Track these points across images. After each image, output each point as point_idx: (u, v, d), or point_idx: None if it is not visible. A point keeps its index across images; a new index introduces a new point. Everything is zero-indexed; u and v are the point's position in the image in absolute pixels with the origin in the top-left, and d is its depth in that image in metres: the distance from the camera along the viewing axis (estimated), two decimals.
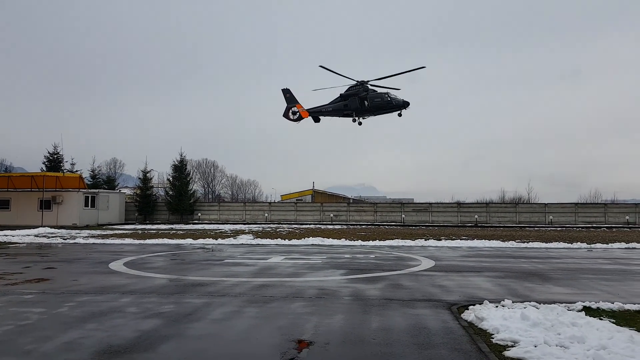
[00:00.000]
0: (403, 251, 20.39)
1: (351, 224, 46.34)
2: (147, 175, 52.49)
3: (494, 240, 25.15)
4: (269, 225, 43.18)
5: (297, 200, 63.18)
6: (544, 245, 23.21)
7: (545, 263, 16.36)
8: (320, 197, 72.31)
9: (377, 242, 24.29)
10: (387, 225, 45.63)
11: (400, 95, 32.21)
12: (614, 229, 39.28)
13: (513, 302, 9.21)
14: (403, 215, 49.00)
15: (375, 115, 32.82)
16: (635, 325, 7.64)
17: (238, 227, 40.71)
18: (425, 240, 25.42)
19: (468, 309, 8.82)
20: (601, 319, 7.96)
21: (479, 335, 7.21)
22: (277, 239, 26.14)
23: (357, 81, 32.33)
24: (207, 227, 40.74)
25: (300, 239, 25.97)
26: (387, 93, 32.03)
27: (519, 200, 65.56)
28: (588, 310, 8.61)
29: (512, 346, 6.63)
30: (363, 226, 43.43)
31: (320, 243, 24.14)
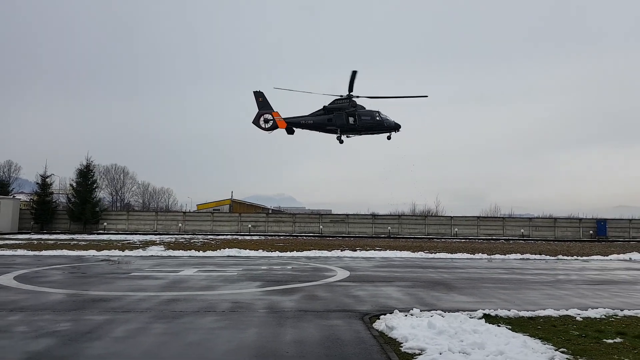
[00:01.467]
0: (320, 262, 20.56)
1: (270, 235, 46.04)
2: (47, 180, 48.65)
3: (405, 251, 26.21)
4: (182, 236, 41.61)
5: (214, 210, 61.59)
6: (449, 255, 24.58)
7: (450, 273, 17.31)
8: (239, 207, 71.13)
9: (294, 253, 24.29)
10: (306, 236, 45.90)
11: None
12: (511, 241, 42.67)
13: (421, 310, 9.60)
14: (321, 226, 49.61)
15: (361, 134, 30.07)
16: (529, 330, 8.26)
17: (148, 237, 38.75)
18: (342, 251, 25.89)
19: (379, 319, 9.05)
20: (499, 326, 8.52)
21: (388, 344, 7.40)
22: (190, 250, 25.23)
23: (345, 95, 29.10)
24: (113, 237, 38.32)
25: (216, 250, 25.28)
26: (378, 112, 29.50)
27: (428, 213, 69.19)
28: (488, 318, 9.19)
29: (419, 354, 6.88)
30: (282, 237, 43.32)
31: (237, 254, 23.66)
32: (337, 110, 29.37)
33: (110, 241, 32.64)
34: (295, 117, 30.27)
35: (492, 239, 45.18)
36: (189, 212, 59.86)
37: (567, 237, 48.43)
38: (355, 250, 26.57)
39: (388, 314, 9.26)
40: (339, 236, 46.35)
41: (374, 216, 52.84)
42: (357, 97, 29.30)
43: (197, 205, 77.20)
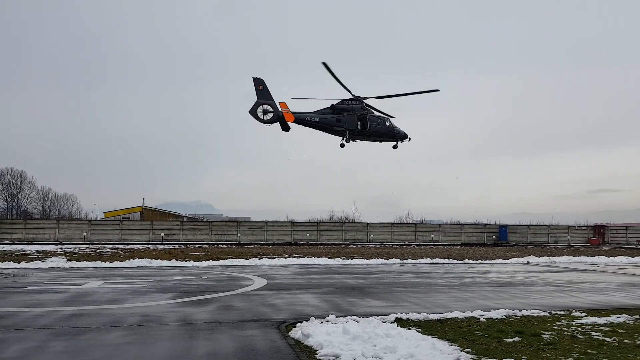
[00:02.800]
0: (237, 271, 20.15)
1: (184, 244, 44.41)
2: None
3: (323, 258, 26.50)
4: (87, 246, 38.84)
5: (123, 218, 58.21)
6: (365, 261, 25.24)
7: (365, 278, 17.75)
8: (151, 215, 67.85)
9: (210, 262, 23.60)
10: (223, 244, 44.86)
11: None
12: (422, 246, 44.79)
13: (337, 317, 9.71)
14: (239, 234, 48.78)
15: (368, 140, 27.50)
16: (437, 333, 8.65)
17: (49, 247, 35.73)
18: (260, 259, 25.59)
19: (295, 327, 9.01)
20: (410, 329, 8.84)
21: (304, 352, 7.38)
22: (96, 261, 23.62)
23: (354, 96, 26.54)
24: (8, 247, 34.85)
25: (125, 260, 23.87)
26: (388, 119, 27.44)
27: (345, 219, 70.71)
28: (400, 322, 9.50)
29: None
30: (197, 245, 41.95)
31: (148, 265, 22.51)
32: (347, 112, 26.76)
33: (4, 252, 29.62)
34: (301, 113, 26.52)
35: (405, 244, 47.10)
36: (95, 220, 56.20)
37: (472, 242, 51.80)
38: (274, 258, 26.41)
39: (304, 322, 9.26)
40: (257, 244, 45.85)
41: (293, 223, 52.98)
42: (366, 98, 26.99)
43: (104, 212, 72.58)
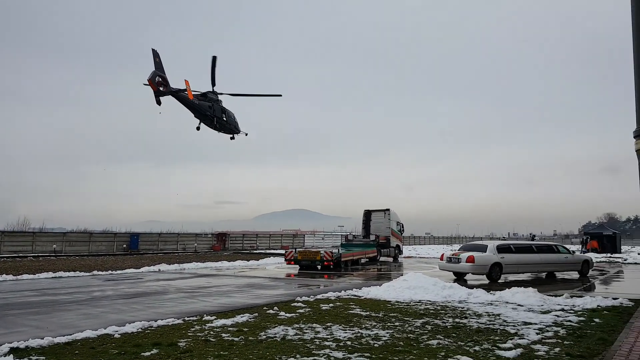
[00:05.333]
0: None
1: None
2: None
3: None
4: None
5: None
6: None
7: None
8: None
9: None
10: None
11: None
12: (41, 258, 39.18)
13: None
14: None
15: (218, 130, 30.29)
16: (66, 357, 7.52)
17: None
18: None
19: None
20: (31, 359, 7.36)
21: None
22: None
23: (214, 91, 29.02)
24: None
25: None
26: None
27: None
28: (16, 352, 7.80)
29: None
30: None
31: None
32: (215, 102, 29.25)
33: None
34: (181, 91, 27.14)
35: (19, 256, 40.09)
36: None
37: (102, 252, 48.97)
38: None
39: None
40: None
41: None
42: (222, 93, 29.73)
43: None
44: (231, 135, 32.04)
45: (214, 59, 27.80)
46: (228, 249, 60.49)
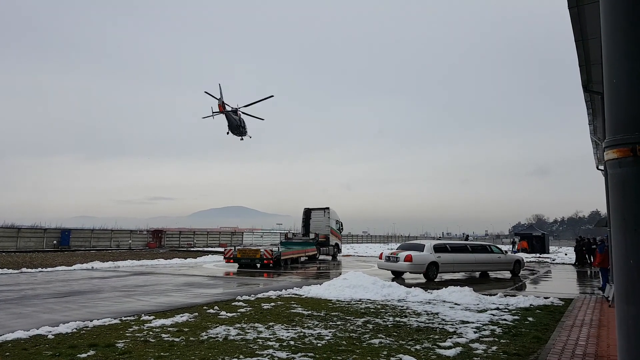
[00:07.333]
0: None
1: None
2: None
3: None
4: None
5: None
6: None
7: None
8: None
9: None
10: None
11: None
12: None
13: None
14: None
15: (237, 135, 40.53)
16: None
17: None
18: None
19: None
20: None
21: None
22: None
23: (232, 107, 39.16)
24: None
25: None
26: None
27: None
28: None
29: None
30: None
31: None
32: (239, 116, 39.91)
33: None
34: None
35: None
36: None
37: (30, 248, 46.18)
38: None
39: None
40: None
41: None
42: (239, 108, 40.19)
43: None
44: (241, 137, 41.15)
45: (270, 97, 38.89)
46: (164, 247, 58.84)
